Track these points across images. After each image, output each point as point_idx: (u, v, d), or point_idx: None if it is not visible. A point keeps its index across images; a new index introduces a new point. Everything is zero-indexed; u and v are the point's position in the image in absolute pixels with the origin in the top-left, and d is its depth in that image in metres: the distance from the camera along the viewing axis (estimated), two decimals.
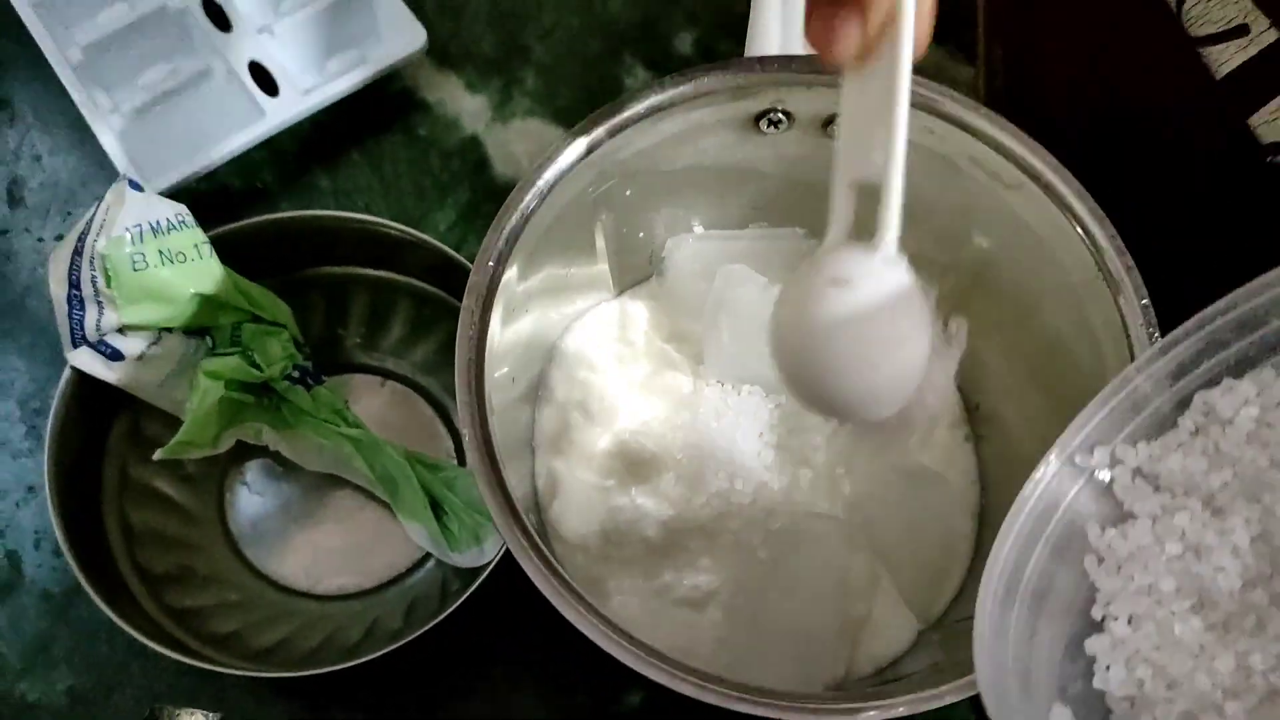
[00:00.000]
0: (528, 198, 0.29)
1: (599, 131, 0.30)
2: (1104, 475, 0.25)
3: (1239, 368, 0.25)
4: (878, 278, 0.24)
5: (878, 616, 0.32)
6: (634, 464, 0.33)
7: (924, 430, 0.34)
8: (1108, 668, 0.24)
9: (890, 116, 0.24)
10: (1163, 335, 0.26)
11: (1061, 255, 0.30)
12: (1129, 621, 0.24)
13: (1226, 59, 0.30)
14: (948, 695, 0.26)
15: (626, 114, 0.30)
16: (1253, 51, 0.30)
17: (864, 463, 0.33)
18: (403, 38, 0.46)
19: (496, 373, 0.29)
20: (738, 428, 0.33)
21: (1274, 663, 0.23)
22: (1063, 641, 0.25)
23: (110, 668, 0.39)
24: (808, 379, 0.25)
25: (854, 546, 0.33)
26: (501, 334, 0.29)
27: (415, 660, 0.37)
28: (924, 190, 0.32)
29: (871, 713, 0.25)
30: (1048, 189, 0.29)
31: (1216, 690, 0.23)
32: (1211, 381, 0.25)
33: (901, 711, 0.26)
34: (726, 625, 0.32)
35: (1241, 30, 0.30)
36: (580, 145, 0.30)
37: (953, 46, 0.49)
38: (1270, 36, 0.29)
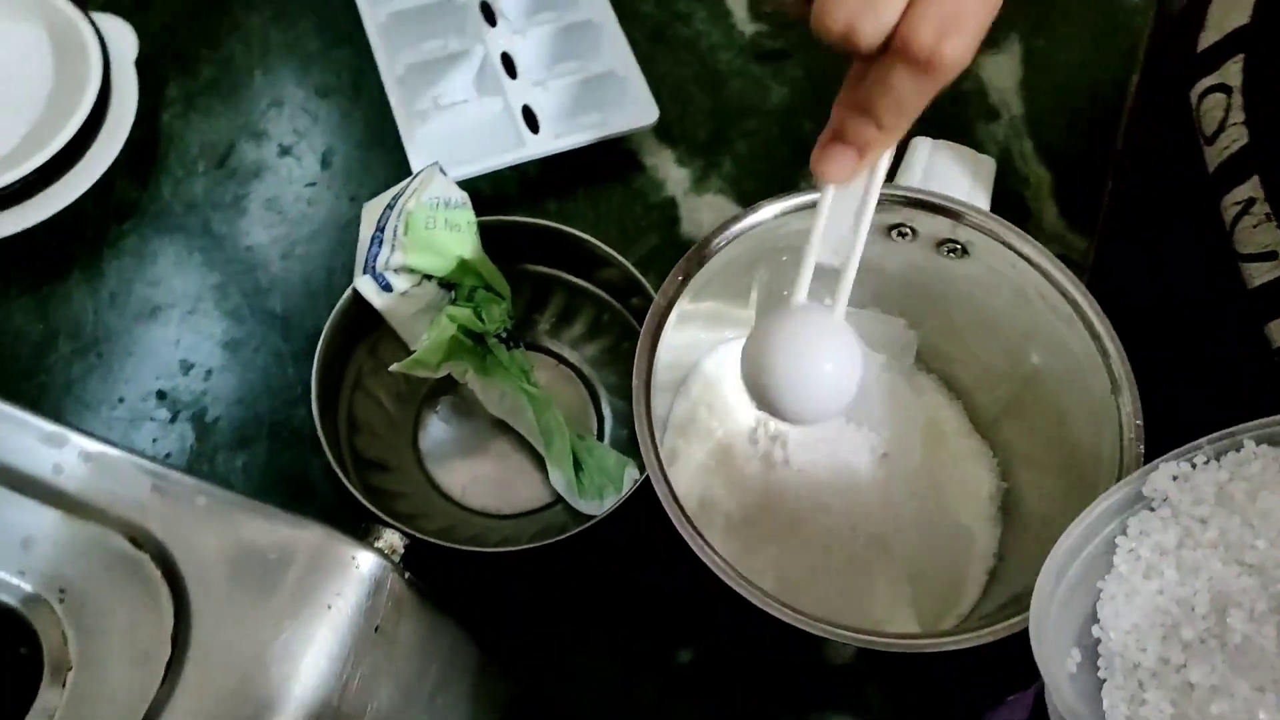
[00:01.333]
0: (710, 247, 0.40)
1: (767, 211, 0.41)
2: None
3: None
4: (828, 326, 0.35)
5: (882, 617, 0.41)
6: (733, 452, 0.43)
7: (965, 495, 0.44)
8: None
9: (860, 223, 0.34)
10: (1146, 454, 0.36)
11: (1090, 380, 0.39)
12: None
13: (1259, 275, 0.40)
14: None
15: (790, 203, 0.41)
16: (1273, 275, 0.39)
17: (914, 503, 0.43)
18: (640, 112, 0.58)
19: (664, 357, 0.40)
20: (822, 451, 0.43)
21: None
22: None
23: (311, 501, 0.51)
24: (765, 386, 0.35)
25: (885, 567, 0.42)
26: (673, 330, 0.40)
27: (522, 573, 0.48)
28: (1000, 311, 0.42)
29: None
30: (1089, 326, 0.39)
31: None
32: None
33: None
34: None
35: (1272, 255, 0.39)
36: (752, 219, 0.41)
37: (1071, 221, 0.60)
38: None
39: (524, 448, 0.52)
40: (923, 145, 0.44)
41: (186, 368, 0.54)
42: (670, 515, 0.36)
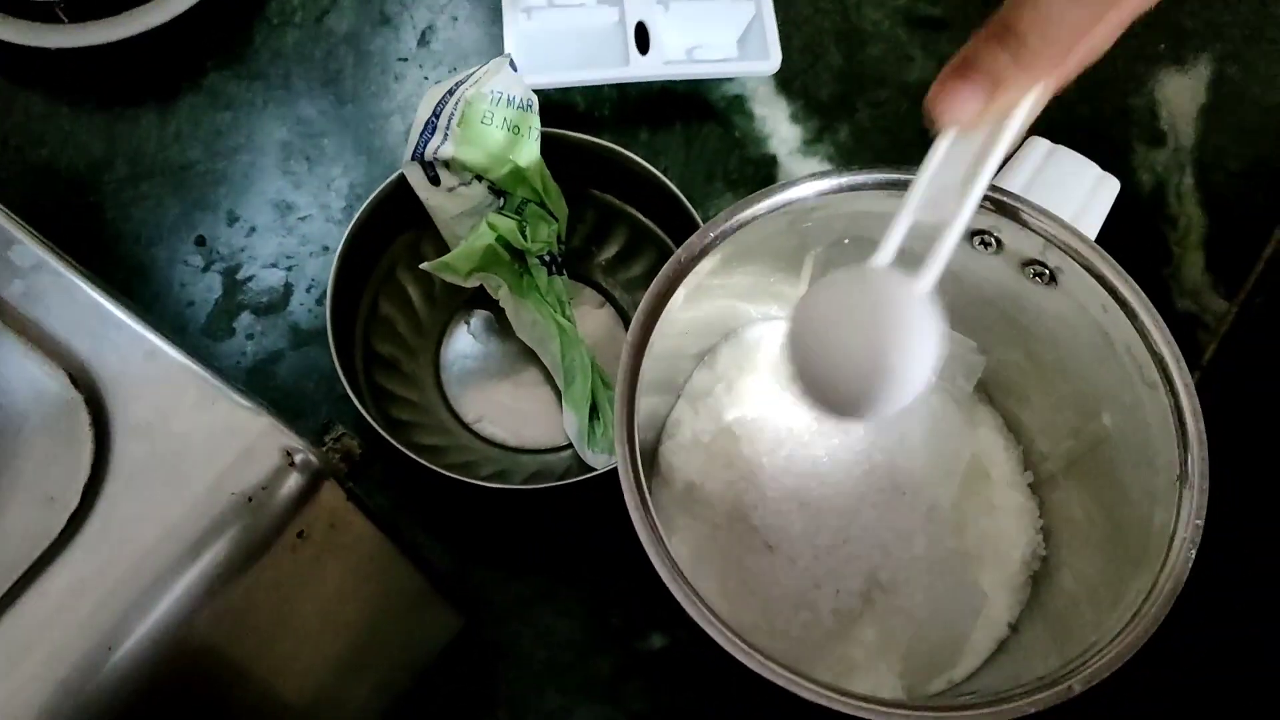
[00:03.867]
0: (755, 208, 0.35)
1: (836, 182, 0.35)
2: None
3: None
4: (908, 298, 0.27)
5: (862, 662, 0.36)
6: (737, 443, 0.38)
7: (994, 553, 0.38)
8: None
9: (975, 183, 0.28)
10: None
11: (1159, 462, 0.33)
12: None
13: None
14: None
15: (863, 178, 0.35)
16: None
17: (931, 548, 0.37)
18: (763, 57, 0.53)
19: (671, 328, 0.35)
20: (841, 463, 0.38)
21: None
22: None
23: (305, 399, 0.48)
24: (814, 357, 0.28)
25: (880, 610, 0.37)
26: (685, 303, 0.35)
27: (505, 512, 0.45)
28: (1080, 357, 0.36)
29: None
30: (1175, 401, 0.33)
31: None
32: None
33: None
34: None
35: None
36: (817, 186, 0.35)
37: (1217, 278, 0.52)
38: None
39: (549, 382, 0.49)
40: (1038, 146, 0.37)
41: (232, 219, 0.52)
42: (630, 505, 0.31)
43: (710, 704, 0.44)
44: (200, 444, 0.32)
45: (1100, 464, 0.36)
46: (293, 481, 0.32)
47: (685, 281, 0.34)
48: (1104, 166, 0.50)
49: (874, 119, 0.55)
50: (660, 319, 0.33)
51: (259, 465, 0.32)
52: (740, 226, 0.34)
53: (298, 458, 0.32)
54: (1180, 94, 0.57)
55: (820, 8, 0.57)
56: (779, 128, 0.55)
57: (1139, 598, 0.30)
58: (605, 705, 0.44)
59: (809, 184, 0.34)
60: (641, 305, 0.33)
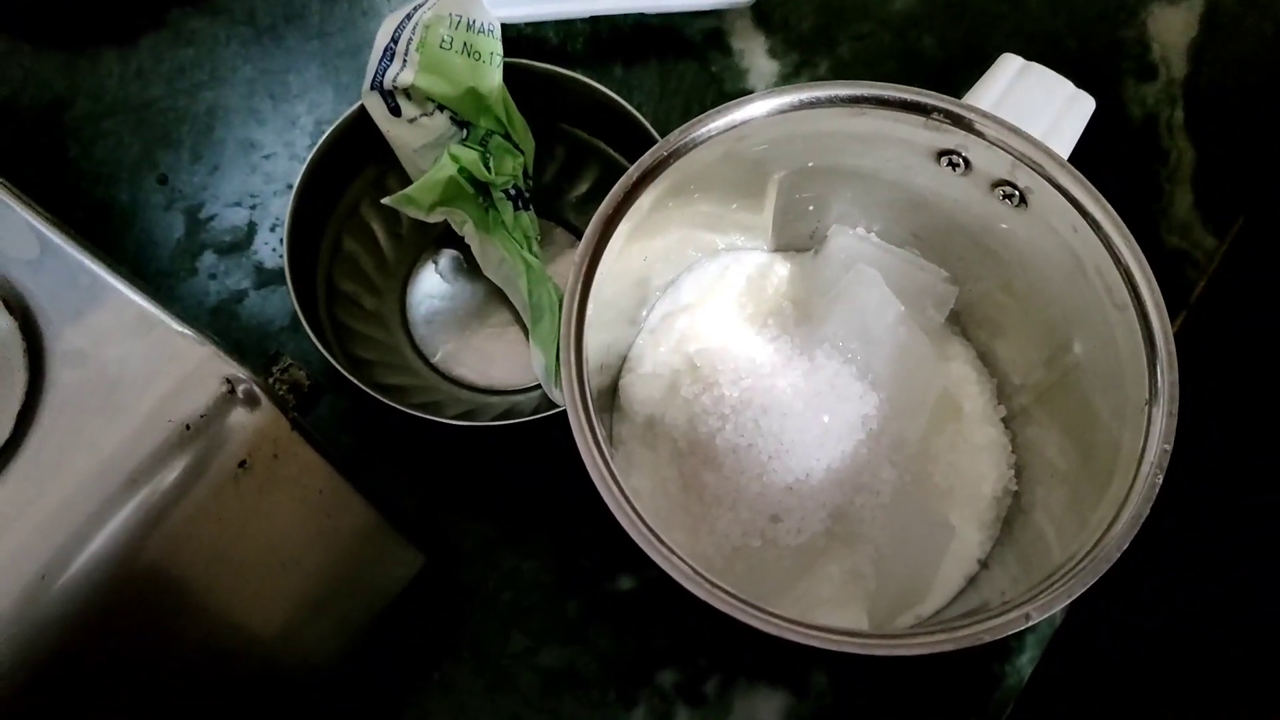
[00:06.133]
0: (709, 127, 0.33)
1: (795, 98, 0.33)
2: None
3: None
4: None
5: (828, 598, 0.35)
6: (698, 374, 0.37)
7: (964, 489, 0.37)
8: None
9: None
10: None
11: (1130, 387, 0.32)
12: None
13: None
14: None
15: (825, 94, 0.33)
16: None
17: (900, 483, 0.36)
18: None
19: (631, 257, 0.34)
20: (804, 396, 0.36)
21: None
22: None
23: (269, 338, 0.47)
24: None
25: (846, 545, 0.36)
26: (642, 228, 0.34)
27: (472, 454, 0.44)
28: (1052, 282, 0.35)
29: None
30: (1144, 319, 0.31)
31: None
32: None
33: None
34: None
35: None
36: (770, 103, 0.33)
37: (1206, 214, 0.51)
38: None
39: (518, 323, 0.48)
40: (1009, 63, 0.36)
41: (195, 157, 0.50)
42: (581, 448, 0.30)
43: (679, 643, 0.43)
44: (138, 372, 0.31)
45: (1071, 393, 0.35)
46: (234, 411, 0.31)
47: (638, 204, 0.32)
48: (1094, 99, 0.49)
49: (855, 52, 0.54)
50: (612, 241, 0.32)
51: (199, 393, 0.31)
52: (695, 146, 0.33)
53: (240, 387, 0.31)
54: (1171, 27, 0.55)
55: None
56: (757, 62, 0.53)
57: (1101, 525, 0.29)
58: (572, 646, 0.43)
59: (762, 101, 0.33)
60: (590, 225, 0.32)
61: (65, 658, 0.30)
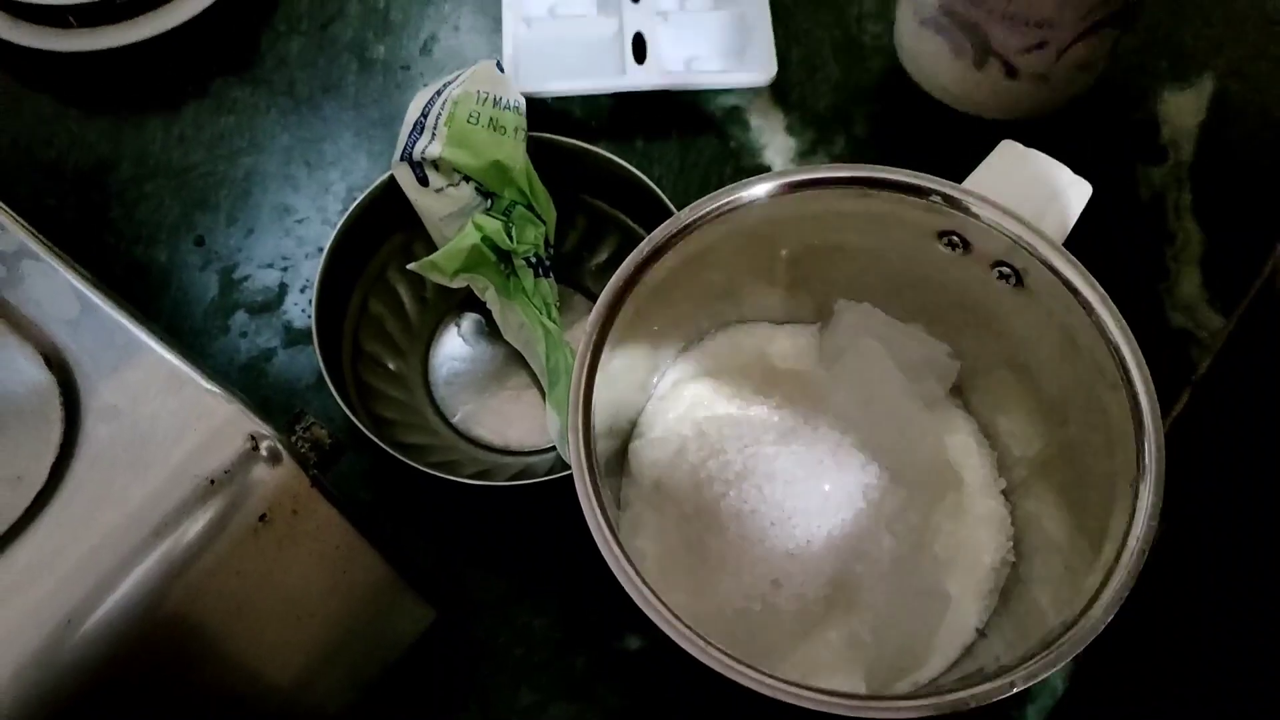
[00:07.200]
0: (719, 204, 0.35)
1: (799, 179, 0.35)
2: None
3: None
4: None
5: (827, 663, 0.36)
6: (705, 440, 0.39)
7: (964, 559, 0.38)
8: None
9: None
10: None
11: (1119, 463, 0.33)
12: None
13: None
14: None
15: (829, 175, 0.35)
16: None
17: (899, 552, 0.37)
18: (759, 68, 0.53)
19: (645, 319, 0.35)
20: (807, 465, 0.38)
21: None
22: None
23: (296, 396, 0.49)
24: None
25: (845, 612, 0.37)
26: (653, 298, 0.35)
27: (487, 512, 0.45)
28: (1048, 359, 0.36)
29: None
30: (1133, 398, 0.32)
31: None
32: None
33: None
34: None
35: None
36: (772, 184, 0.35)
37: (1214, 295, 0.51)
38: None
39: (536, 386, 0.49)
40: (1008, 149, 0.37)
41: (231, 220, 0.53)
42: (584, 509, 0.31)
43: (684, 704, 0.44)
44: (168, 427, 0.32)
45: (1066, 467, 0.36)
46: (257, 466, 0.32)
47: (649, 276, 0.34)
48: (1103, 181, 0.50)
49: (870, 131, 0.55)
50: (623, 310, 0.33)
51: (224, 449, 0.32)
52: (705, 222, 0.34)
53: (263, 444, 0.32)
54: (1182, 110, 0.56)
55: (821, 20, 0.58)
56: (775, 138, 0.55)
57: (1088, 597, 0.30)
58: (579, 703, 0.44)
59: (770, 182, 0.35)
60: (602, 295, 0.34)
61: (86, 702, 0.31)
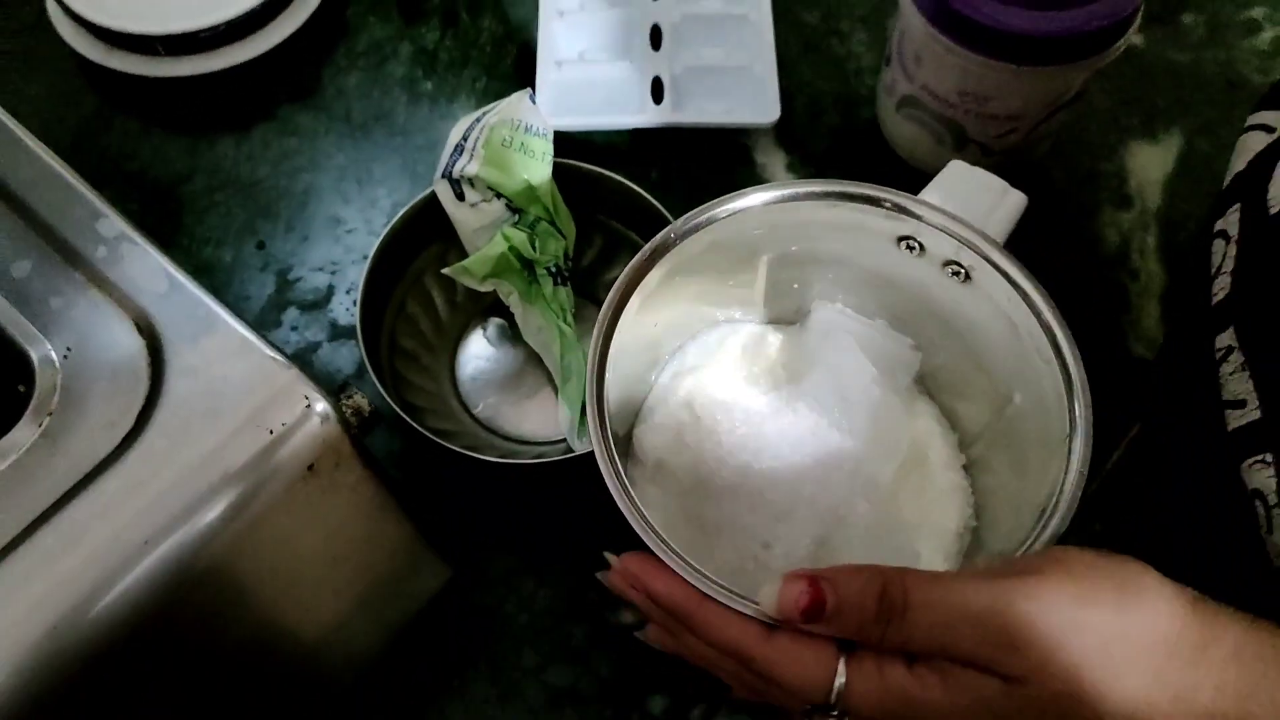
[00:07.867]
0: (711, 214, 0.41)
1: (780, 194, 0.41)
2: None
3: None
4: None
5: None
6: (701, 424, 0.44)
7: (931, 525, 0.44)
8: None
9: None
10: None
11: (1055, 427, 0.38)
12: None
13: (1234, 420, 0.38)
14: None
15: (803, 190, 0.41)
16: (1244, 421, 0.38)
17: (872, 517, 0.42)
18: (764, 111, 0.60)
19: (646, 318, 0.41)
20: (790, 442, 0.43)
21: None
22: None
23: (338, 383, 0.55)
24: None
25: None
26: (653, 298, 0.41)
27: (503, 492, 0.51)
28: (995, 344, 0.42)
29: None
30: (1064, 368, 0.38)
31: None
32: None
33: None
34: None
35: (1243, 403, 0.38)
36: (762, 197, 0.41)
37: (1172, 330, 0.57)
38: (1254, 414, 0.38)
39: (551, 384, 0.55)
40: (956, 166, 0.43)
41: (289, 228, 0.59)
42: (601, 468, 0.37)
43: (670, 674, 0.49)
44: (237, 387, 0.38)
45: (1013, 435, 0.42)
46: (309, 423, 0.38)
47: (649, 278, 0.40)
48: (1072, 224, 0.56)
49: (865, 169, 0.61)
50: (628, 308, 0.39)
51: (283, 407, 0.38)
52: (697, 230, 0.40)
53: (316, 405, 0.38)
54: (1150, 163, 0.62)
55: (823, 73, 0.64)
56: (776, 174, 0.61)
57: (1032, 537, 0.35)
58: (576, 667, 0.49)
59: (753, 195, 0.41)
60: (610, 292, 0.40)
61: (159, 618, 0.36)
